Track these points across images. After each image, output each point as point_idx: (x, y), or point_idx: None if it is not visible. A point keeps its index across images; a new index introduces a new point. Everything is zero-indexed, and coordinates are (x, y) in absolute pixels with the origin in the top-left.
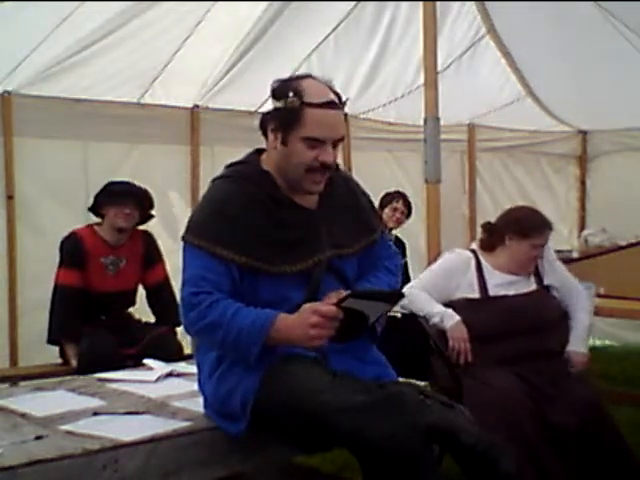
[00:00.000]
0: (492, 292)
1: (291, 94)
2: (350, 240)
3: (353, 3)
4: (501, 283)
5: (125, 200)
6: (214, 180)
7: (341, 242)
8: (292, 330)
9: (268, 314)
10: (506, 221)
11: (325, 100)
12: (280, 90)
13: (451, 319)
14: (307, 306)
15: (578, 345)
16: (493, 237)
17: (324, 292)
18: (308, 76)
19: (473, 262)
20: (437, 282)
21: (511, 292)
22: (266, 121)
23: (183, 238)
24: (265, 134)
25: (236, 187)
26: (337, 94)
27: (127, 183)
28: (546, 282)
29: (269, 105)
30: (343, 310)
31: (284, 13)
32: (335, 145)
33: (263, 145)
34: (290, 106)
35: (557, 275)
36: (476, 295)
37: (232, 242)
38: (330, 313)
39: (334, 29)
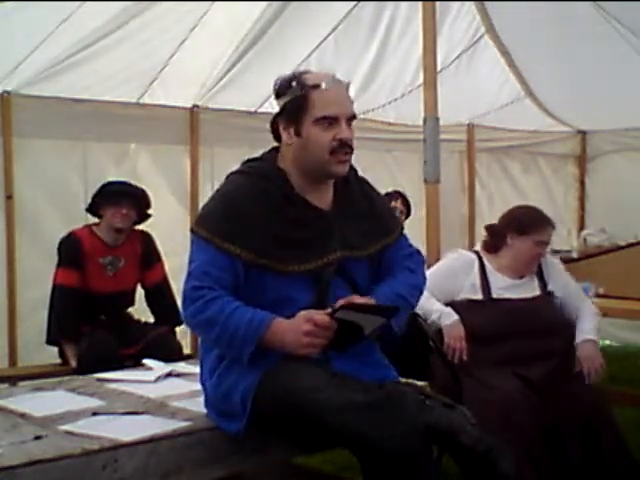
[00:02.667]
0: (495, 295)
1: (294, 84)
2: (363, 242)
3: (353, 3)
4: (504, 286)
5: (122, 200)
6: (229, 174)
7: (353, 244)
8: (285, 335)
9: (264, 316)
10: (507, 220)
11: (327, 79)
12: (282, 86)
13: (449, 318)
14: (302, 313)
15: (588, 333)
16: (496, 238)
17: (334, 294)
18: (307, 71)
19: (476, 263)
20: (440, 282)
21: (514, 296)
22: (276, 123)
23: (192, 229)
24: (277, 138)
25: (249, 183)
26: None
27: (124, 183)
28: (550, 288)
29: (269, 106)
30: (337, 321)
31: (284, 13)
32: (348, 124)
33: (263, 146)
34: (296, 95)
35: (563, 283)
36: (479, 296)
37: (239, 237)
38: (324, 323)
39: (333, 29)
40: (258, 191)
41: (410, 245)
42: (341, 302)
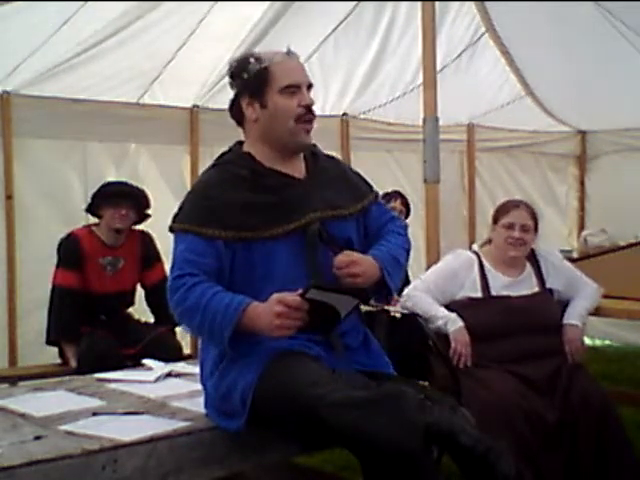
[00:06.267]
0: (494, 293)
1: (252, 60)
2: (344, 202)
3: (353, 3)
4: (503, 284)
5: (121, 201)
6: None
7: (335, 203)
8: (259, 318)
9: (241, 300)
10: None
11: (282, 52)
12: (240, 65)
13: (455, 324)
14: (274, 296)
15: (572, 318)
16: (490, 240)
17: (326, 263)
18: (257, 52)
19: (476, 263)
20: (440, 282)
21: (513, 293)
22: (237, 103)
23: (170, 228)
24: (240, 122)
25: (218, 171)
26: None
27: (123, 183)
28: (549, 286)
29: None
30: (308, 301)
31: (284, 14)
32: (308, 91)
33: None
34: (256, 70)
35: (564, 277)
36: (478, 294)
37: (216, 219)
38: (294, 303)
39: (334, 29)
40: (227, 175)
41: (388, 210)
42: (312, 282)
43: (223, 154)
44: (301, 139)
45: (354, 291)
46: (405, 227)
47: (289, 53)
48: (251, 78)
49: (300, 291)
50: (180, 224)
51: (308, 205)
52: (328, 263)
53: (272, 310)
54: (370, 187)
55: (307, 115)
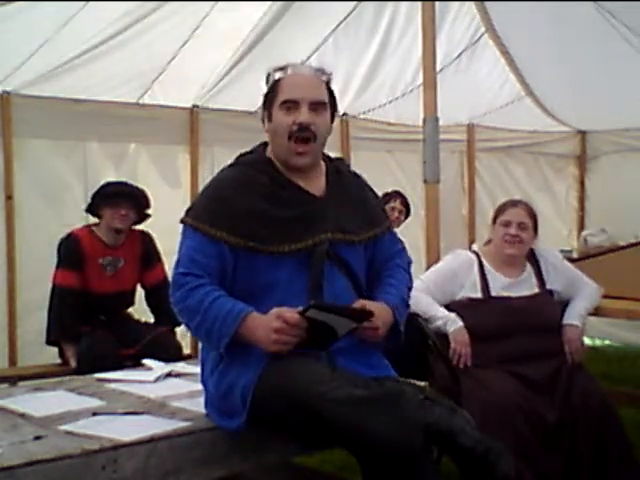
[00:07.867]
0: (494, 293)
1: (272, 72)
2: (356, 228)
3: (353, 3)
4: (503, 285)
5: (121, 201)
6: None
7: (346, 228)
8: (257, 330)
9: (241, 309)
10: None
11: (295, 65)
12: (267, 76)
13: (454, 324)
14: (274, 310)
15: (572, 318)
16: (490, 240)
17: (329, 282)
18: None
19: (476, 263)
20: (440, 283)
21: (513, 294)
22: (262, 112)
23: (181, 220)
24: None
25: (236, 172)
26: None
27: (123, 184)
28: (549, 287)
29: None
30: (307, 320)
31: (284, 14)
32: (315, 110)
33: None
34: (272, 81)
35: (564, 277)
36: (479, 295)
37: (226, 223)
38: (292, 320)
39: (334, 30)
40: (245, 178)
41: (399, 241)
42: (312, 302)
43: (245, 154)
44: (291, 159)
45: (353, 314)
46: (409, 263)
47: (304, 67)
48: (268, 90)
49: (300, 309)
50: (192, 220)
51: (321, 226)
52: (331, 283)
53: (270, 325)
54: (386, 215)
55: (301, 133)
